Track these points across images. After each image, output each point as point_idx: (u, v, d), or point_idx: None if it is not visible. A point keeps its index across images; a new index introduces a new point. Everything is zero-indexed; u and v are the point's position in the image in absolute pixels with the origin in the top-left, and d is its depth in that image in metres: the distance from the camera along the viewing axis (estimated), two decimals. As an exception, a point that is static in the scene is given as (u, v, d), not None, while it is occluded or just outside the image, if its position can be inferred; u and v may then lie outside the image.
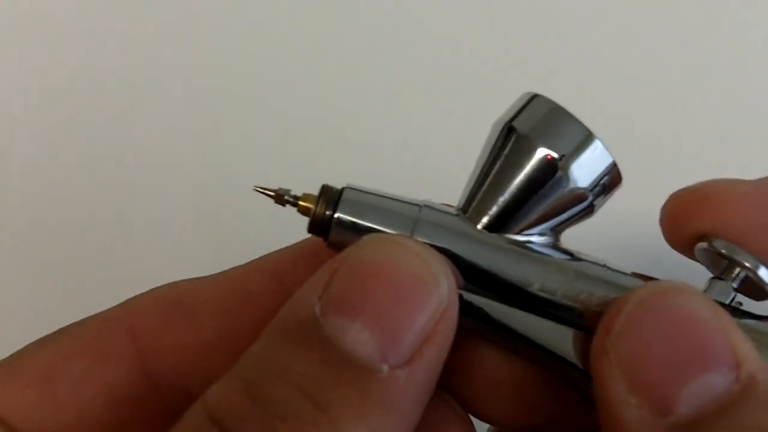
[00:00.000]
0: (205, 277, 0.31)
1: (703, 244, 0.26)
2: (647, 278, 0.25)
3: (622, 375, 0.22)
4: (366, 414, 0.21)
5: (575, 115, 0.26)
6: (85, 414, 0.28)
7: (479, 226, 0.26)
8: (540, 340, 0.25)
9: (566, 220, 0.26)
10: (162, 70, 0.47)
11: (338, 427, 0.21)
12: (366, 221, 0.25)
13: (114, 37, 0.47)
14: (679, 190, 0.27)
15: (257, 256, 0.30)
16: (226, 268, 0.30)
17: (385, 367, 0.22)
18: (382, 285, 0.22)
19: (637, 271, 0.26)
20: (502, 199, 0.25)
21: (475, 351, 0.27)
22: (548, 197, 0.25)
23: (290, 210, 0.26)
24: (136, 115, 0.46)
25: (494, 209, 0.25)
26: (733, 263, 0.25)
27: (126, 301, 0.30)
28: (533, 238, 0.26)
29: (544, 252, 0.26)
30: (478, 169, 0.27)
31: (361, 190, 0.26)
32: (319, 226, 0.26)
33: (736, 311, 0.25)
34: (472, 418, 0.28)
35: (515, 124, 0.26)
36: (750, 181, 0.27)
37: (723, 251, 0.25)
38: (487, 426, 0.29)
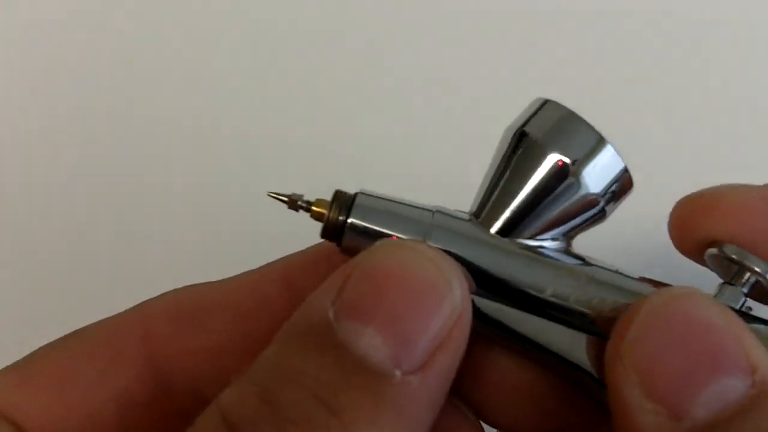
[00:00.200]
0: (216, 281, 0.30)
1: (713, 250, 0.26)
2: (659, 284, 0.25)
3: (637, 381, 0.22)
4: (378, 419, 0.21)
5: (586, 119, 0.26)
6: (97, 417, 0.27)
7: (492, 231, 0.25)
8: (552, 345, 0.25)
9: (578, 225, 0.26)
10: (169, 70, 0.46)
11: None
12: (379, 226, 0.25)
13: (115, 37, 0.47)
14: (687, 196, 0.27)
15: (267, 260, 0.30)
16: (235, 270, 0.30)
17: (398, 373, 0.21)
18: (396, 290, 0.22)
19: (648, 276, 0.26)
20: (514, 205, 0.25)
21: (487, 356, 0.27)
22: (560, 202, 0.25)
23: (301, 214, 0.26)
24: (140, 115, 0.46)
25: (506, 214, 0.25)
26: (744, 268, 0.25)
27: (137, 305, 0.30)
28: (545, 244, 0.25)
29: (556, 257, 0.25)
30: (490, 175, 0.26)
31: (374, 196, 0.26)
32: (332, 231, 0.26)
33: (747, 316, 0.25)
34: (483, 425, 0.28)
35: (527, 129, 0.26)
36: (758, 186, 0.27)
37: (734, 256, 0.25)
38: (497, 432, 0.29)
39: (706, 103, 0.44)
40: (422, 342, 0.22)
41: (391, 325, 0.22)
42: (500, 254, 0.25)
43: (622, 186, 0.26)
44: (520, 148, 0.26)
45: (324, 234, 0.26)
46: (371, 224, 0.25)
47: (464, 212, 0.27)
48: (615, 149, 0.25)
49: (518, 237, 0.25)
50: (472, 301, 0.24)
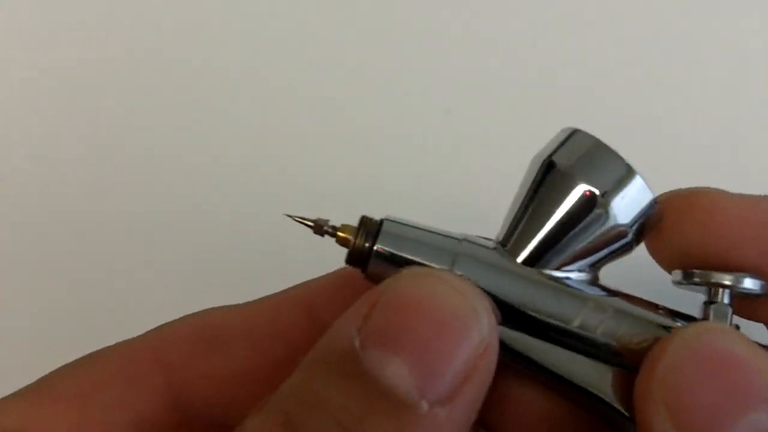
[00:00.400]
0: (235, 306, 0.30)
1: (678, 277, 0.26)
2: (685, 316, 0.25)
3: (667, 416, 0.21)
4: None
5: (614, 149, 0.25)
6: None
7: (518, 260, 0.25)
8: (577, 377, 0.25)
9: (605, 256, 0.26)
10: (182, 79, 0.46)
11: None
12: (405, 254, 0.25)
13: (116, 37, 0.46)
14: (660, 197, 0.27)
15: (286, 282, 0.30)
16: (253, 292, 0.30)
17: (424, 404, 0.21)
18: (423, 319, 0.22)
19: (669, 299, 0.26)
20: (542, 235, 0.25)
21: (511, 386, 0.27)
22: (588, 233, 0.25)
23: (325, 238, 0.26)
24: (154, 129, 0.45)
25: (533, 244, 0.25)
26: (714, 285, 0.25)
27: (154, 329, 0.29)
28: (572, 275, 0.25)
29: (583, 289, 0.25)
30: (518, 203, 0.26)
31: (400, 222, 0.26)
32: (358, 257, 0.25)
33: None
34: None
35: (555, 159, 0.25)
36: (732, 193, 0.26)
37: (698, 280, 0.25)
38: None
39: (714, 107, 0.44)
40: (449, 373, 0.22)
41: (418, 355, 0.21)
42: (527, 285, 0.25)
43: (650, 217, 0.25)
44: (548, 177, 0.25)
45: (349, 260, 0.26)
46: (397, 251, 0.25)
47: (490, 239, 0.26)
48: (644, 180, 0.25)
49: (545, 267, 0.25)
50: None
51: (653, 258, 0.27)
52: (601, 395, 0.25)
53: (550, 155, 0.26)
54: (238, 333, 0.29)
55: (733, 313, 0.25)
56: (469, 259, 0.25)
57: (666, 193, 0.27)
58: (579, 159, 0.25)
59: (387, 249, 0.25)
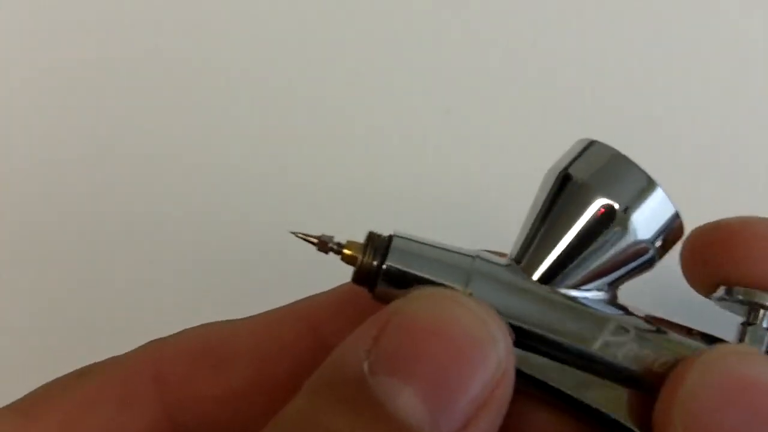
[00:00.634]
0: (235, 321, 0.29)
1: (720, 293, 0.25)
2: (707, 336, 0.24)
3: None
4: None
5: (634, 160, 0.24)
6: None
7: (534, 278, 0.24)
8: (593, 400, 0.24)
9: (625, 274, 0.24)
10: (191, 89, 0.45)
11: None
12: (416, 272, 0.24)
13: (117, 37, 0.45)
14: (700, 228, 0.26)
15: (286, 294, 0.29)
16: (252, 305, 0.29)
17: None
18: (437, 344, 0.21)
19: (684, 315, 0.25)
20: (558, 251, 0.24)
21: (523, 409, 0.25)
22: (607, 250, 0.24)
23: (326, 254, 0.25)
24: (156, 139, 0.45)
25: (550, 261, 0.24)
26: (756, 306, 0.24)
27: (150, 343, 0.28)
28: (589, 294, 0.24)
29: (602, 309, 0.24)
30: (532, 218, 0.25)
31: (409, 238, 0.24)
32: (366, 276, 0.24)
33: None
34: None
35: (571, 171, 0.24)
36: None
37: (741, 298, 0.24)
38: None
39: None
40: (463, 402, 0.20)
41: (432, 382, 0.20)
42: (544, 305, 0.24)
43: (672, 232, 0.24)
44: (565, 191, 0.24)
45: (357, 279, 0.24)
46: (408, 269, 0.24)
47: (503, 254, 0.25)
48: (665, 193, 0.24)
49: (561, 284, 0.24)
50: None
51: (690, 284, 0.26)
52: (618, 418, 0.24)
53: (566, 167, 0.24)
54: (238, 351, 0.28)
55: None
56: (484, 278, 0.24)
57: (710, 223, 0.26)
58: (597, 171, 0.24)
59: (397, 267, 0.24)
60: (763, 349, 0.24)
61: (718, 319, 0.26)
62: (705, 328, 0.25)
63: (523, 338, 0.24)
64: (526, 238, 0.25)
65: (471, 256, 0.24)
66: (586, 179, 0.24)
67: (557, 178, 0.24)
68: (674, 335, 0.24)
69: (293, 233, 0.25)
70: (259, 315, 0.29)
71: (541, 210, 0.25)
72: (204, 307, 0.43)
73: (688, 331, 0.24)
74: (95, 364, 0.27)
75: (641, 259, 0.24)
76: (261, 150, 0.44)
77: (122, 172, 0.44)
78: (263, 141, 0.44)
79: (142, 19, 0.46)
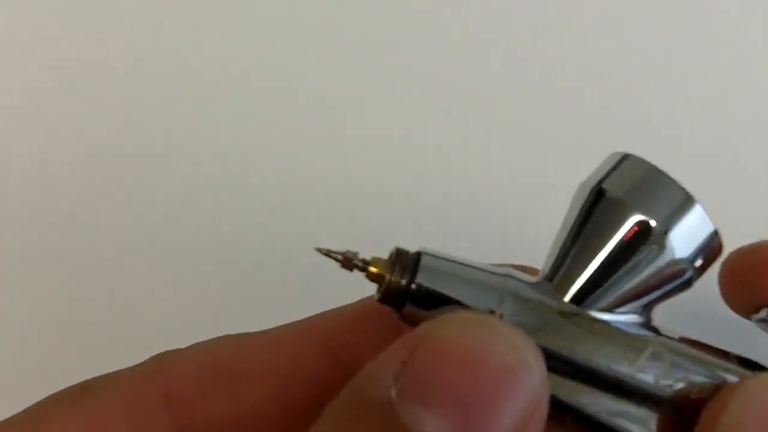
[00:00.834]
0: (247, 336, 0.27)
1: (763, 314, 0.24)
2: (744, 360, 0.23)
3: None
4: None
5: (671, 174, 0.23)
6: None
7: (566, 298, 0.23)
8: (621, 425, 0.23)
9: (661, 296, 0.23)
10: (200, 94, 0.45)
11: None
12: (446, 292, 0.22)
13: (117, 37, 0.45)
14: (740, 249, 0.25)
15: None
16: (261, 314, 0.28)
17: None
18: (470, 372, 0.19)
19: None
20: (592, 270, 0.23)
21: None
22: (643, 269, 0.22)
23: (350, 271, 0.23)
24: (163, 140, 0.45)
25: (583, 280, 0.23)
26: None
27: (160, 356, 0.26)
28: (624, 318, 0.23)
29: (637, 333, 0.23)
30: (564, 235, 0.24)
31: (437, 256, 0.23)
32: (394, 296, 0.23)
33: None
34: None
35: (605, 186, 0.23)
36: None
37: None
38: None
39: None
40: None
41: (463, 412, 0.19)
42: (579, 330, 0.22)
43: (711, 251, 0.23)
44: (598, 207, 0.23)
45: (383, 299, 0.23)
46: (438, 289, 0.22)
47: (536, 274, 0.24)
48: (704, 209, 0.23)
49: (595, 305, 0.23)
50: None
51: (729, 306, 0.26)
52: None
53: (600, 182, 0.23)
54: (252, 369, 0.26)
55: None
56: (516, 300, 0.22)
57: (749, 245, 0.25)
58: (632, 186, 0.23)
59: (426, 286, 0.22)
60: None
61: (754, 339, 0.25)
62: (741, 349, 0.24)
63: (555, 362, 0.22)
64: (558, 256, 0.23)
65: (502, 275, 0.23)
66: (621, 195, 0.23)
67: (590, 194, 0.23)
68: (711, 360, 0.23)
69: (318, 249, 0.24)
70: (272, 330, 0.27)
71: (573, 226, 0.23)
72: (205, 311, 0.43)
73: (725, 354, 0.23)
74: (100, 378, 0.26)
75: (678, 280, 0.23)
76: (261, 150, 0.44)
77: (123, 173, 0.44)
78: (263, 141, 0.44)
79: (143, 20, 0.45)
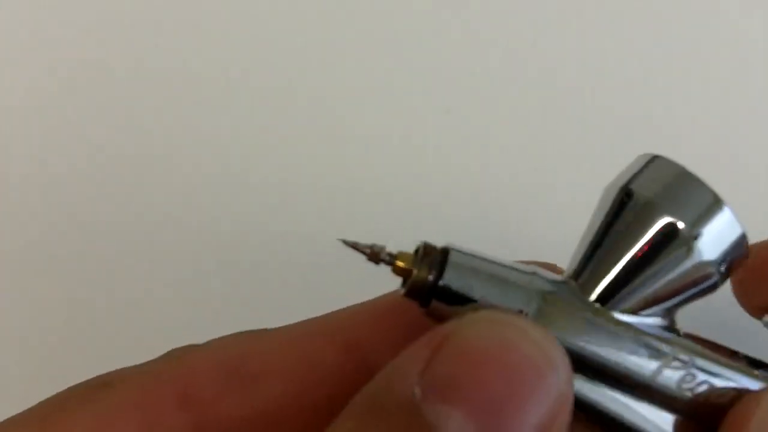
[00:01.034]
0: (265, 333, 0.26)
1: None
2: (756, 362, 0.23)
3: None
4: None
5: (701, 177, 0.23)
6: None
7: (591, 297, 0.22)
8: (638, 426, 0.22)
9: (685, 299, 0.23)
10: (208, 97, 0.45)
11: None
12: (473, 289, 0.22)
13: (118, 38, 0.45)
14: (754, 247, 0.24)
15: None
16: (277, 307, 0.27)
17: None
18: (496, 372, 0.19)
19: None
20: (618, 269, 0.22)
21: None
22: (669, 271, 0.22)
23: (376, 264, 0.23)
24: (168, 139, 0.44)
25: (609, 280, 0.22)
26: None
27: (176, 352, 0.26)
28: (648, 320, 0.23)
29: (661, 336, 0.23)
30: (591, 234, 0.23)
31: (466, 253, 0.23)
32: (420, 291, 0.22)
33: None
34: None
35: (634, 187, 0.23)
36: None
37: None
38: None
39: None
40: None
41: (488, 412, 0.19)
42: (603, 331, 0.22)
43: (738, 254, 0.23)
44: (626, 208, 0.23)
45: (410, 293, 0.22)
46: (465, 286, 0.22)
47: (556, 267, 0.24)
48: (733, 212, 0.22)
49: (620, 306, 0.23)
50: None
51: (740, 302, 0.25)
52: None
53: (628, 183, 0.23)
54: (271, 367, 0.25)
55: None
56: (543, 299, 0.22)
57: (765, 240, 0.24)
58: (661, 188, 0.22)
59: (454, 284, 0.22)
60: None
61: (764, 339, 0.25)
62: (750, 349, 0.24)
63: (577, 362, 0.22)
64: (585, 255, 0.23)
65: (528, 274, 0.23)
66: (650, 196, 0.22)
67: (618, 194, 0.23)
68: (733, 365, 0.22)
69: (343, 241, 0.23)
70: (291, 327, 0.26)
71: (601, 226, 0.23)
72: (205, 311, 0.42)
73: (734, 354, 0.23)
74: (116, 374, 0.25)
75: (704, 284, 0.23)
76: (261, 150, 0.44)
77: (123, 173, 0.44)
78: (263, 141, 0.44)
79: (143, 20, 0.45)
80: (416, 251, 0.23)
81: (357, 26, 0.44)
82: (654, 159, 0.23)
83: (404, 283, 0.23)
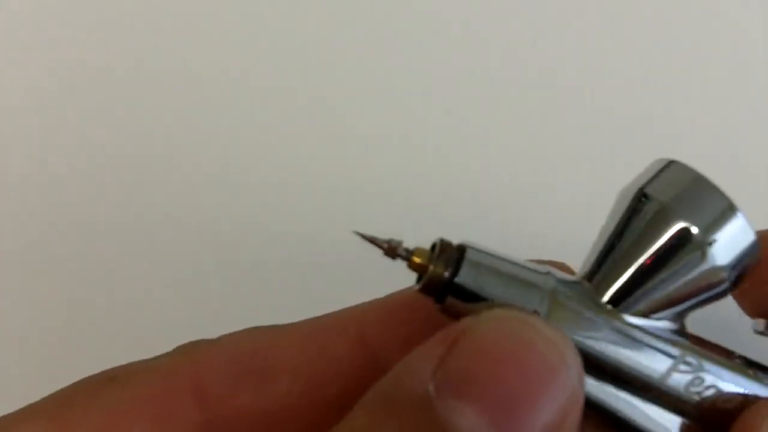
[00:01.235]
0: (279, 328, 0.26)
1: (761, 327, 0.24)
2: (752, 364, 0.23)
3: None
4: None
5: (715, 182, 0.23)
6: None
7: (604, 299, 0.23)
8: (646, 428, 0.23)
9: (697, 303, 0.23)
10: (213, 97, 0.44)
11: None
12: (488, 287, 0.22)
13: (118, 38, 0.45)
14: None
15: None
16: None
17: None
18: (509, 369, 0.19)
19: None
20: (631, 272, 0.23)
21: None
22: (682, 275, 0.22)
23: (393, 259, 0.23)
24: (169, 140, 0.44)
25: (622, 281, 0.23)
26: None
27: (189, 346, 0.26)
28: (660, 324, 0.23)
29: (671, 339, 0.23)
30: (606, 236, 0.24)
31: (482, 251, 0.23)
32: (435, 288, 0.22)
33: None
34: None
35: (649, 191, 0.23)
36: None
37: None
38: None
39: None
40: (534, 431, 0.19)
41: (501, 409, 0.19)
42: (615, 333, 0.22)
43: (750, 260, 0.23)
44: (641, 211, 0.23)
45: (425, 289, 0.23)
46: (480, 283, 0.22)
47: (560, 264, 0.24)
48: (746, 218, 0.22)
49: (632, 308, 0.23)
50: None
51: (737, 302, 0.25)
52: None
53: (643, 187, 0.23)
54: (284, 363, 0.25)
55: None
56: (556, 299, 0.22)
57: (758, 231, 0.24)
58: (676, 193, 0.23)
59: (469, 281, 0.22)
60: None
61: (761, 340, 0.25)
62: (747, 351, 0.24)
63: (588, 362, 0.22)
64: (599, 256, 0.23)
65: (542, 273, 0.23)
66: (665, 201, 0.23)
67: (634, 198, 0.23)
68: (742, 370, 0.23)
69: (358, 234, 0.23)
70: (302, 323, 0.26)
71: (616, 229, 0.23)
72: (205, 311, 0.42)
73: (730, 354, 0.23)
74: (128, 367, 0.25)
75: (716, 289, 0.23)
76: (261, 150, 0.44)
77: (123, 173, 0.44)
78: (263, 141, 0.44)
79: (143, 20, 0.45)
80: (432, 247, 0.23)
81: (357, 26, 0.44)
82: (670, 164, 0.23)
83: (419, 279, 0.23)
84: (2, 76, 0.44)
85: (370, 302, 0.26)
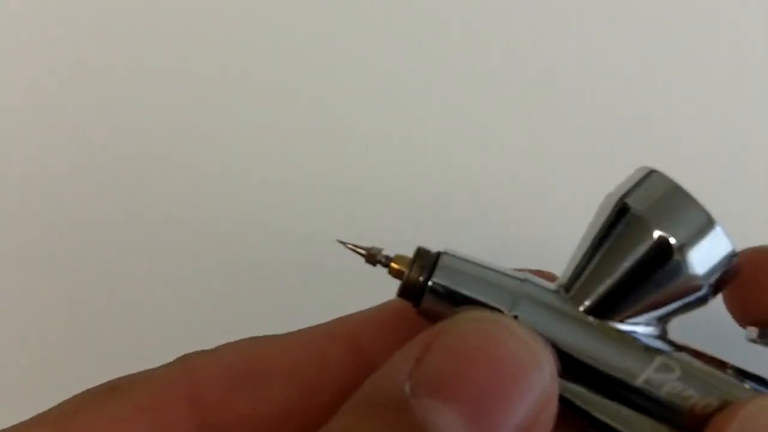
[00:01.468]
0: (273, 338, 0.27)
1: (752, 335, 0.24)
2: (755, 377, 0.23)
3: None
4: None
5: (693, 194, 0.23)
6: None
7: (582, 309, 0.23)
8: None
9: (676, 310, 0.23)
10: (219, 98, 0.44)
11: None
12: (462, 291, 0.23)
13: (118, 38, 0.45)
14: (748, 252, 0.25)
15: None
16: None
17: None
18: (482, 368, 0.20)
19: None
20: (610, 282, 0.23)
21: None
22: (660, 285, 0.23)
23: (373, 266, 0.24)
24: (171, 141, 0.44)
25: (600, 292, 0.23)
26: None
27: (186, 357, 0.26)
28: (638, 329, 0.23)
29: (650, 344, 0.23)
30: (585, 246, 0.24)
31: (458, 257, 0.23)
32: (411, 291, 0.23)
33: None
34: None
35: (629, 201, 0.23)
36: None
37: None
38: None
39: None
40: (507, 427, 0.19)
41: (475, 406, 0.19)
42: (590, 336, 0.23)
43: (728, 271, 0.23)
44: (621, 221, 0.23)
45: (402, 293, 0.24)
46: (454, 287, 0.23)
47: (554, 281, 0.24)
48: (724, 230, 0.23)
49: (610, 317, 0.23)
50: None
51: (728, 311, 0.25)
52: None
53: (623, 197, 0.23)
54: (279, 372, 0.26)
55: None
56: (531, 303, 0.23)
57: (751, 248, 0.25)
58: (655, 204, 0.23)
59: (443, 284, 0.23)
60: None
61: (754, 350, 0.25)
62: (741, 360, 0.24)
63: (568, 368, 0.23)
64: (578, 266, 0.24)
65: (519, 279, 0.23)
66: (644, 211, 0.23)
67: (614, 208, 0.23)
68: (721, 376, 0.23)
69: (342, 243, 0.25)
70: (298, 332, 0.27)
71: (595, 238, 0.24)
72: (205, 311, 0.42)
73: (723, 365, 0.23)
74: (128, 378, 0.26)
75: (694, 296, 0.23)
76: (261, 150, 0.44)
77: (123, 173, 0.44)
78: (263, 141, 0.44)
79: (143, 20, 0.45)
80: (414, 255, 0.24)
81: (357, 26, 0.44)
82: (650, 174, 0.23)
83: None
84: (2, 76, 0.44)
85: (362, 311, 0.27)
